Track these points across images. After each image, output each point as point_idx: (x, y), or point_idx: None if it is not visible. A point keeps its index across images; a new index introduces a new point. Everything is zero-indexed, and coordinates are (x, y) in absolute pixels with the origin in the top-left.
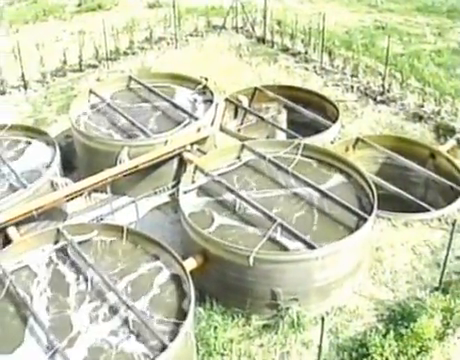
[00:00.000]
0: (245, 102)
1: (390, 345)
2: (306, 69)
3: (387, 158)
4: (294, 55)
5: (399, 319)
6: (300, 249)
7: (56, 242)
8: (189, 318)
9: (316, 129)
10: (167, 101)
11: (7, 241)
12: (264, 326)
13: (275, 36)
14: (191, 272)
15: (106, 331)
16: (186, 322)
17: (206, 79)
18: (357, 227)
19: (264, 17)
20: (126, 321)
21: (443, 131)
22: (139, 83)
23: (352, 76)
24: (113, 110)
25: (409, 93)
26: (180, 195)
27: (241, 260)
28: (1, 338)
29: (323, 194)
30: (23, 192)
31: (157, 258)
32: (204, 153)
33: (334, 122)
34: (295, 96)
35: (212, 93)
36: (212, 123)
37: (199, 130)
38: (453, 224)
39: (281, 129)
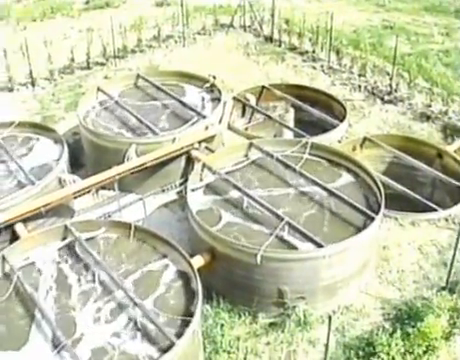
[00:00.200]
0: (253, 101)
1: (397, 344)
2: (314, 68)
3: (394, 157)
4: (302, 54)
5: (406, 318)
6: (307, 248)
7: (64, 239)
8: (196, 316)
9: (323, 128)
10: (175, 99)
11: (15, 237)
12: (271, 324)
13: (283, 35)
14: (198, 270)
15: (114, 328)
16: (193, 320)
17: (214, 77)
18: (364, 226)
19: (272, 16)
20: (134, 318)
21: (450, 131)
22: (147, 81)
23: (360, 75)
24: (121, 108)
25: (417, 93)
26: (188, 193)
27: (248, 258)
28: (9, 334)
29: (330, 193)
30: (31, 189)
31: (165, 256)
32: (212, 151)
33: (341, 121)
34: (302, 95)
35: (220, 91)
36: (220, 121)
37: (207, 128)
38: None
39: (288, 128)
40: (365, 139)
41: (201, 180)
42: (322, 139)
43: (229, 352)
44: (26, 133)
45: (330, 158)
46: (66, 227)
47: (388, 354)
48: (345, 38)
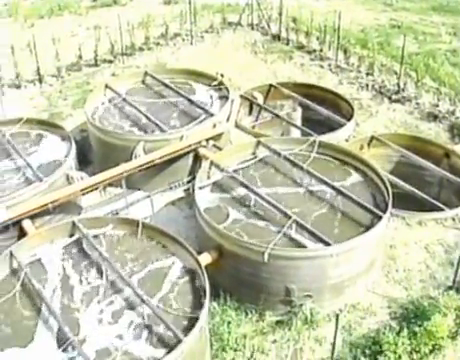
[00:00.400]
0: (260, 99)
1: (403, 343)
2: (321, 67)
3: (401, 157)
4: (309, 53)
5: (412, 317)
6: (315, 246)
7: (71, 235)
8: (204, 313)
9: (331, 127)
10: (183, 97)
11: (22, 234)
12: (277, 322)
13: (290, 33)
14: (205, 267)
15: (120, 325)
16: (201, 317)
17: (222, 75)
18: (372, 225)
19: (280, 14)
20: (141, 315)
21: (458, 131)
22: (155, 79)
23: (367, 74)
24: (129, 105)
25: (424, 92)
26: (195, 190)
27: (256, 256)
28: (15, 330)
29: (338, 192)
30: (39, 185)
31: (172, 253)
32: (219, 149)
33: (349, 120)
34: (310, 94)
35: (228, 89)
36: (228, 119)
37: (215, 126)
38: None
39: (296, 126)
40: (372, 138)
41: (209, 178)
42: (329, 138)
43: (236, 350)
44: (34, 130)
45: (338, 157)
46: (74, 224)
47: (395, 353)
48: (353, 37)
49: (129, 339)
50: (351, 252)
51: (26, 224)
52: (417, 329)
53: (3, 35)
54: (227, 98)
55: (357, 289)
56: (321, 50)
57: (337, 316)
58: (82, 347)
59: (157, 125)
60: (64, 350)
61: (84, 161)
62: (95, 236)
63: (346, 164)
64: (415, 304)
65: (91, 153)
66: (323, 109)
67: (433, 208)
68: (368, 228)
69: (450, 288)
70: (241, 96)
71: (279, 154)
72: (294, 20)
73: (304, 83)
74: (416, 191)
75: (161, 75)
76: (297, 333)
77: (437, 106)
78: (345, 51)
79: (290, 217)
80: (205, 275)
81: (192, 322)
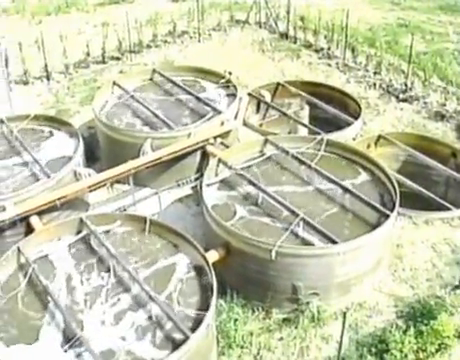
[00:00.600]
0: (267, 97)
1: (410, 342)
2: (329, 65)
3: (408, 156)
4: (317, 51)
5: (419, 316)
6: (322, 244)
7: (79, 232)
8: (211, 310)
9: (338, 125)
10: (191, 94)
11: (30, 230)
12: (284, 320)
13: (298, 32)
14: (213, 264)
15: (128, 322)
16: (208, 314)
17: (230, 73)
18: (379, 224)
19: (287, 12)
20: (148, 312)
21: None
22: (163, 76)
23: (375, 73)
24: (137, 102)
25: (431, 91)
26: (203, 188)
27: (263, 253)
28: (23, 327)
29: (345, 190)
30: (46, 182)
31: (180, 250)
32: (227, 147)
33: (356, 119)
34: (317, 92)
35: (235, 87)
36: (235, 117)
37: (223, 124)
38: None
39: (303, 125)
40: (380, 137)
41: (216, 175)
42: (337, 136)
43: (242, 347)
44: (42, 126)
45: (345, 155)
46: (81, 220)
47: (401, 351)
48: (360, 36)
49: (134, 339)
50: (358, 250)
51: (34, 220)
52: (423, 328)
53: (11, 32)
54: (235, 96)
55: (364, 287)
56: (329, 48)
57: (344, 314)
58: (89, 344)
59: (165, 122)
60: (71, 346)
61: (92, 158)
62: (103, 232)
63: (353, 163)
64: (422, 303)
65: (99, 150)
66: (330, 107)
67: (440, 207)
68: (375, 227)
69: (457, 287)
70: (249, 94)
71: (287, 152)
72: (302, 18)
73: (312, 81)
74: (423, 190)
75: (169, 72)
76: (304, 331)
77: (444, 105)
78: (353, 50)
79: (297, 215)
80: (212, 272)
81: (199, 319)
